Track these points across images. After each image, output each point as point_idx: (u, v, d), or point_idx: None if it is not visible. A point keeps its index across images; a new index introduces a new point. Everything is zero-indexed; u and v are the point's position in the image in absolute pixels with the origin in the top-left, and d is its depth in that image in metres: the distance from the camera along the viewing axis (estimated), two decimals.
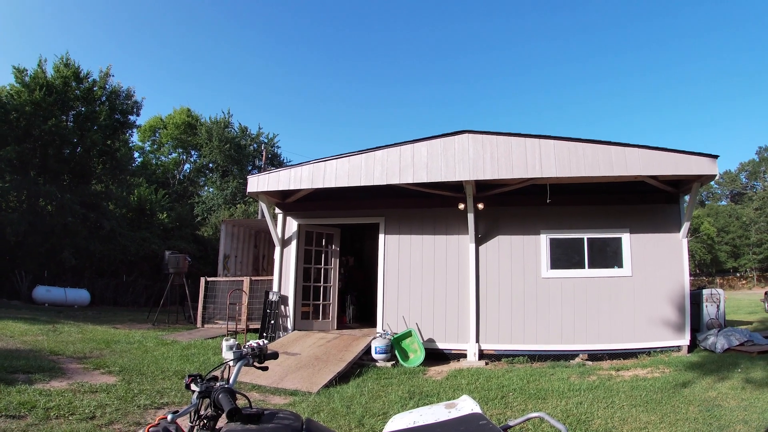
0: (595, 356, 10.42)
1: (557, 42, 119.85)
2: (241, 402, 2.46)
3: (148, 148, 43.80)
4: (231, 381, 2.56)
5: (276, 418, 2.33)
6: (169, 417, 2.18)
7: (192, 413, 2.34)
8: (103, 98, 25.28)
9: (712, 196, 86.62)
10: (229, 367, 2.73)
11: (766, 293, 22.44)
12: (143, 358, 9.50)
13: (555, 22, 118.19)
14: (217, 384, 2.38)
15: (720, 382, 7.76)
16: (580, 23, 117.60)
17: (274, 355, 2.93)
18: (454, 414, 2.92)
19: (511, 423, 3.07)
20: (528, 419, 3.17)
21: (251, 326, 13.40)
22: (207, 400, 2.34)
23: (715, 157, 9.69)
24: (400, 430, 2.82)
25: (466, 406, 3.02)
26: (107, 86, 25.53)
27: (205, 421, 2.32)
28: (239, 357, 2.74)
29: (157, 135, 43.83)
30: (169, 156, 43.40)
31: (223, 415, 2.24)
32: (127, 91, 26.58)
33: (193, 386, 2.41)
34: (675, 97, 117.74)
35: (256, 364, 2.83)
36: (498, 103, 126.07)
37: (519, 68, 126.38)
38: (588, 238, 10.97)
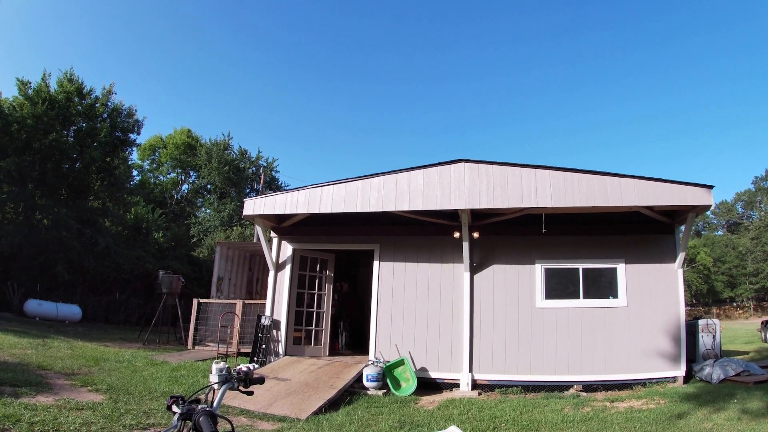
0: (589, 387, 10.32)
1: (553, 70, 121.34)
2: (225, 426, 2.45)
3: (147, 167, 43.96)
4: (215, 404, 2.57)
5: None
6: None
7: None
8: (105, 115, 25.48)
9: (709, 226, 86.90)
10: (214, 390, 2.72)
11: (762, 323, 22.34)
12: (132, 378, 9.42)
13: (549, 51, 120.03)
14: (199, 407, 2.38)
15: (716, 413, 7.70)
16: (574, 52, 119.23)
17: (260, 380, 2.93)
18: None
19: None
20: None
21: (243, 350, 13.28)
22: (189, 423, 2.33)
23: (710, 187, 9.72)
24: None
25: None
26: (109, 103, 25.76)
27: None
28: (224, 380, 2.74)
29: (156, 154, 44.02)
30: (168, 176, 43.53)
31: None
32: (128, 109, 26.83)
33: (174, 408, 2.41)
34: (670, 126, 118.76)
35: (241, 388, 2.83)
36: (495, 132, 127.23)
37: (516, 97, 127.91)
38: (583, 268, 10.94)
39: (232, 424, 2.51)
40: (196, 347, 14.74)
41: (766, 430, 6.58)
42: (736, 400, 8.25)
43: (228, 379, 2.76)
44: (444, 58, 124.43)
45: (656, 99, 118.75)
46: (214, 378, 2.75)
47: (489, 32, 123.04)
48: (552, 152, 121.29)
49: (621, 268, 10.89)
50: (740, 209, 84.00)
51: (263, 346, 11.51)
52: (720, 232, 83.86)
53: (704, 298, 70.21)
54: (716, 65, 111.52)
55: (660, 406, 8.53)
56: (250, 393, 2.89)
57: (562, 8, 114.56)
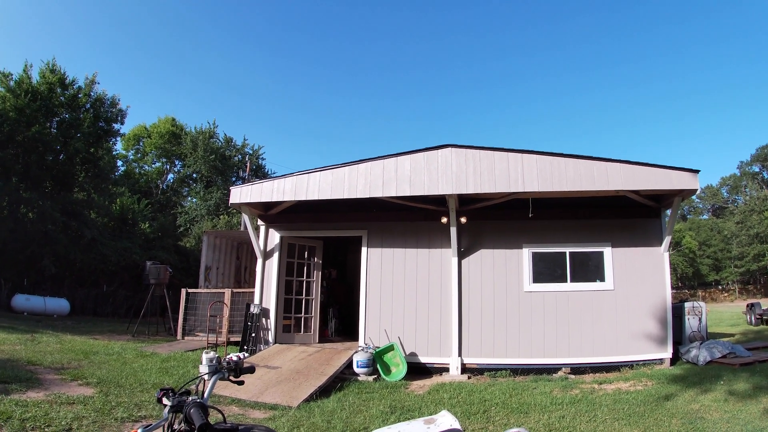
0: (577, 370, 10.44)
1: (540, 56, 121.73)
2: (216, 416, 2.43)
3: (132, 157, 43.46)
4: (205, 395, 2.54)
5: None
6: (140, 431, 2.14)
7: (165, 427, 2.30)
8: (88, 105, 25.08)
9: (694, 211, 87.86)
10: (204, 380, 2.69)
11: (748, 306, 22.58)
12: (122, 370, 9.36)
13: (537, 36, 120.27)
14: (190, 398, 2.35)
15: (703, 394, 7.79)
16: (561, 38, 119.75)
17: (251, 370, 2.90)
18: (433, 430, 2.88)
19: None
20: None
21: (232, 339, 13.25)
22: (180, 415, 2.31)
23: (696, 171, 9.82)
24: None
25: (445, 421, 2.98)
26: (92, 93, 25.35)
27: None
28: (214, 371, 2.71)
29: (141, 144, 43.54)
30: (153, 165, 43.10)
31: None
32: (112, 99, 26.39)
33: (164, 400, 2.38)
34: (657, 111, 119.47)
35: (231, 378, 2.80)
36: (483, 117, 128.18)
37: (503, 82, 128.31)
38: (570, 252, 11.02)
39: (223, 415, 2.49)
40: (186, 337, 14.69)
41: (753, 410, 6.66)
42: (722, 382, 8.35)
43: (218, 370, 2.73)
44: (433, 44, 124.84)
45: (644, 84, 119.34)
46: (203, 369, 2.71)
47: (477, 19, 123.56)
48: (540, 137, 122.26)
49: (608, 252, 10.99)
50: (725, 194, 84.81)
51: (253, 334, 11.49)
52: (705, 216, 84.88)
53: (690, 281, 71.14)
54: (702, 51, 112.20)
55: (647, 387, 8.63)
56: (241, 383, 2.87)
57: None
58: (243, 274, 19.03)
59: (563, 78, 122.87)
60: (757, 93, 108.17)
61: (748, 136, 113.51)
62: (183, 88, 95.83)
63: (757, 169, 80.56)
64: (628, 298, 10.81)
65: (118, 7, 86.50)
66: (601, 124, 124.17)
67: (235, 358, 2.84)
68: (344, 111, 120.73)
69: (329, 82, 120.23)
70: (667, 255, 11.00)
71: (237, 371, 2.79)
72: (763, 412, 6.53)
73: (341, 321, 14.38)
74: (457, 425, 2.86)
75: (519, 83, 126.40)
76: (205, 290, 15.71)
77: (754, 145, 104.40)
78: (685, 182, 9.81)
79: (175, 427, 2.31)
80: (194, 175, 39.67)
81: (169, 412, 2.31)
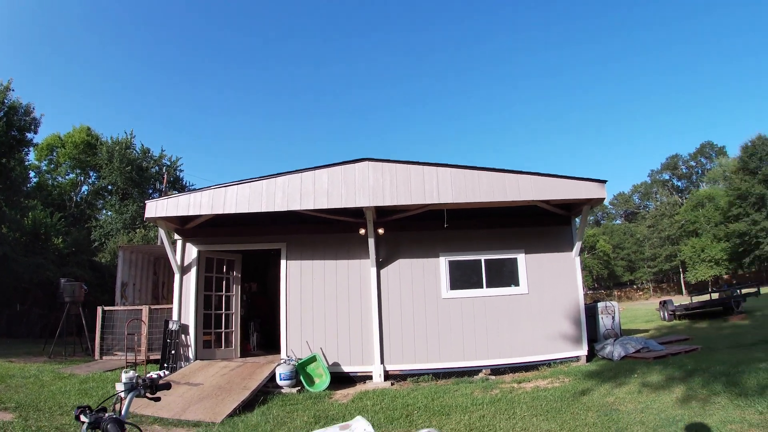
0: (497, 370, 10.81)
1: (457, 75, 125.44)
2: None
3: (45, 168, 41.03)
4: (123, 412, 2.63)
5: None
6: None
7: None
8: (1, 114, 23.43)
9: (608, 216, 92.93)
10: (121, 398, 2.76)
11: (660, 302, 23.92)
12: (40, 393, 8.95)
13: (453, 57, 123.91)
14: (106, 415, 2.43)
15: (618, 387, 8.12)
16: (477, 56, 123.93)
17: (167, 386, 2.98)
18: None
19: None
20: None
21: (152, 357, 12.79)
22: (98, 431, 2.39)
23: (603, 182, 10.45)
24: None
25: (359, 426, 3.05)
26: (6, 101, 23.66)
27: None
28: (131, 388, 2.79)
29: (54, 154, 41.17)
30: (67, 177, 40.88)
31: None
32: (26, 107, 24.78)
33: (82, 417, 2.46)
34: (571, 123, 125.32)
35: (148, 395, 2.88)
36: (402, 135, 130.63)
37: (423, 100, 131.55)
38: (485, 259, 11.42)
39: (140, 430, 2.62)
40: (104, 357, 14.04)
41: (666, 400, 6.97)
42: (636, 375, 8.79)
43: (134, 387, 2.80)
44: (354, 66, 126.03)
45: (560, 98, 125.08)
46: (120, 387, 2.78)
47: (396, 41, 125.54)
48: (458, 151, 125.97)
49: (521, 258, 11.46)
50: (637, 200, 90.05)
51: (173, 351, 11.14)
52: (618, 221, 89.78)
53: (606, 282, 75.17)
54: (616, 66, 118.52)
55: (564, 384, 8.99)
56: (158, 399, 2.93)
57: (469, 15, 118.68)
58: (161, 290, 18.41)
59: (479, 94, 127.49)
60: (666, 103, 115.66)
61: (659, 146, 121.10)
62: (101, 94, 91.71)
63: (666, 177, 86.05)
64: (542, 301, 11.31)
65: (24, 7, 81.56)
66: (519, 136, 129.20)
67: (154, 376, 2.92)
68: (264, 130, 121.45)
69: (250, 101, 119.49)
70: (578, 259, 11.60)
71: (153, 388, 2.88)
72: (676, 401, 6.86)
73: (263, 334, 14.15)
74: (370, 429, 2.95)
75: (437, 101, 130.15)
76: (122, 307, 15.08)
77: (664, 154, 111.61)
78: (593, 192, 10.42)
79: None
80: (110, 187, 37.92)
81: (87, 429, 2.38)
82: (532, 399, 7.94)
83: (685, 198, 77.03)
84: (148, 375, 2.92)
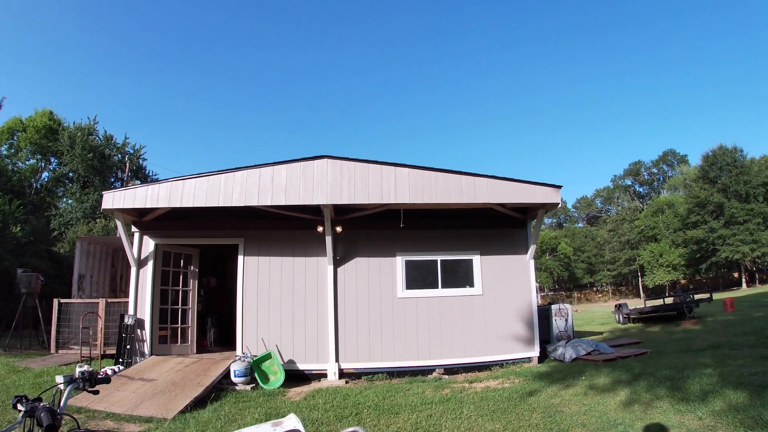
0: (451, 370, 11.01)
1: (420, 70, 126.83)
2: (72, 424, 2.73)
3: (5, 152, 39.72)
4: (61, 404, 2.77)
5: None
6: None
7: None
8: None
9: (570, 219, 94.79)
10: (61, 390, 2.87)
11: (616, 306, 24.51)
12: None
13: (416, 52, 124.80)
14: (41, 404, 2.53)
15: (565, 389, 8.29)
16: (440, 52, 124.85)
17: (106, 380, 3.07)
18: (278, 430, 3.05)
19: None
20: None
21: (109, 351, 12.58)
22: (34, 419, 2.49)
23: (559, 187, 10.74)
24: None
25: (290, 423, 3.14)
26: None
27: None
28: (69, 381, 2.91)
29: (15, 138, 39.88)
30: (27, 162, 39.67)
31: None
32: None
33: (19, 406, 2.56)
34: (535, 123, 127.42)
35: (88, 388, 3.00)
36: (363, 129, 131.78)
37: (382, 95, 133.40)
38: (441, 260, 11.60)
39: (76, 421, 2.76)
40: (60, 351, 13.80)
41: (610, 403, 7.08)
42: (584, 377, 8.99)
43: (73, 380, 2.90)
44: (313, 57, 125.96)
45: (517, 98, 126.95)
46: (60, 379, 2.89)
47: (356, 34, 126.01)
48: (418, 149, 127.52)
49: (477, 260, 11.68)
50: (599, 204, 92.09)
51: (128, 346, 10.99)
52: (580, 224, 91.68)
53: (566, 283, 76.68)
54: (583, 69, 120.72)
55: (514, 384, 9.15)
56: (96, 392, 3.07)
57: (429, 11, 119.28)
58: (119, 283, 18.10)
59: (444, 91, 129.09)
60: (630, 109, 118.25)
61: (621, 152, 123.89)
62: (67, 75, 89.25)
63: (629, 182, 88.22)
64: (496, 302, 11.55)
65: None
66: (484, 134, 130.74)
67: (109, 372, 3.04)
68: (229, 121, 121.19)
69: (212, 91, 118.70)
70: (532, 262, 11.87)
71: (92, 382, 2.99)
72: (619, 404, 6.97)
73: (221, 330, 14.07)
74: (300, 427, 3.05)
75: (398, 97, 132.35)
76: (79, 300, 14.81)
77: (627, 160, 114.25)
78: (548, 196, 10.71)
79: None
80: (71, 175, 36.92)
81: (23, 417, 2.48)
82: (480, 399, 8.04)
83: (646, 204, 79.18)
84: (103, 369, 3.03)
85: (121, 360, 10.87)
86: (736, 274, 58.86)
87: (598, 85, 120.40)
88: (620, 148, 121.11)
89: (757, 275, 57.15)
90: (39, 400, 2.60)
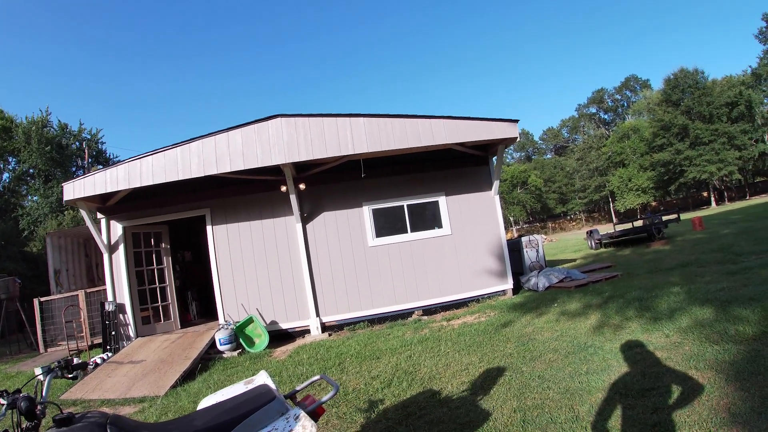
0: (430, 311, 11.35)
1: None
2: (56, 412, 2.71)
3: None
4: (44, 393, 2.87)
5: (84, 419, 2.56)
6: None
7: (15, 428, 2.58)
8: None
9: (538, 151, 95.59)
10: (41, 381, 2.96)
11: (587, 232, 24.99)
12: None
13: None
14: (20, 395, 2.61)
15: (538, 317, 8.52)
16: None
17: (82, 366, 3.17)
18: (248, 387, 3.24)
19: (297, 388, 3.47)
20: (312, 382, 3.57)
21: (96, 341, 12.71)
22: (16, 411, 2.58)
23: (516, 121, 10.88)
24: (203, 408, 3.07)
25: (259, 379, 3.35)
26: None
27: None
28: (48, 371, 3.01)
29: None
30: None
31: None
32: None
33: (1, 400, 2.64)
34: (493, 62, 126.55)
35: (66, 375, 3.10)
36: (314, 91, 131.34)
37: (345, 53, 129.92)
38: (408, 205, 11.79)
39: (60, 408, 2.76)
40: (49, 349, 13.85)
41: (581, 327, 7.26)
42: (556, 304, 9.26)
43: (51, 370, 3.02)
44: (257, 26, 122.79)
45: (486, 36, 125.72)
46: (38, 371, 3.01)
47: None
48: (372, 102, 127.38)
49: (443, 201, 11.88)
50: (566, 134, 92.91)
51: (113, 332, 11.07)
52: (549, 156, 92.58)
53: (539, 215, 77.96)
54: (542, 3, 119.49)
55: (490, 318, 9.40)
56: (75, 378, 3.18)
57: None
58: (95, 272, 18.04)
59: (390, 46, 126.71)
60: (591, 38, 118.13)
61: (585, 81, 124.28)
62: (8, 75, 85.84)
63: (593, 111, 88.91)
64: (465, 240, 11.81)
65: None
66: (447, 78, 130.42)
67: (99, 360, 3.24)
68: (183, 93, 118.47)
69: (166, 66, 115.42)
70: (497, 198, 12.12)
71: (69, 368, 3.10)
72: (590, 328, 7.13)
73: (203, 302, 14.16)
74: (269, 381, 3.25)
75: (345, 57, 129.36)
76: (59, 296, 14.75)
77: (591, 88, 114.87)
78: (506, 131, 10.85)
79: (23, 425, 2.60)
80: (31, 171, 36.03)
81: (5, 410, 2.57)
82: (457, 335, 8.27)
83: (612, 130, 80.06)
84: (93, 359, 3.16)
85: (108, 347, 10.97)
86: (705, 194, 60.47)
87: (557, 18, 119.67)
88: (582, 77, 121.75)
89: (725, 194, 58.77)
90: (19, 392, 2.70)
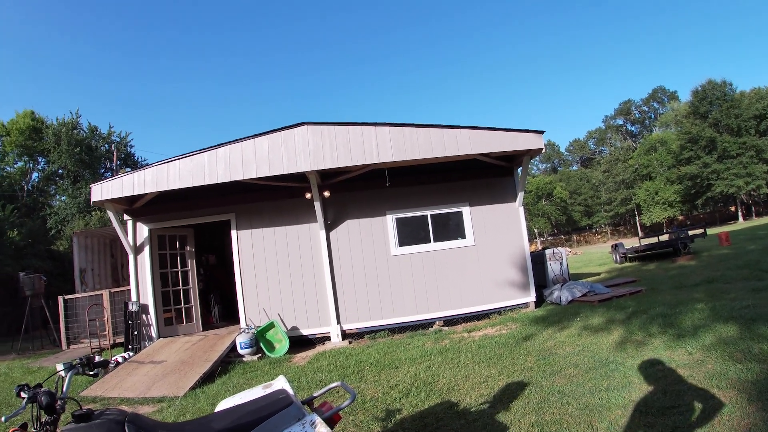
0: (451, 321, 11.25)
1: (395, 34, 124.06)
2: (76, 408, 2.76)
3: None
4: (64, 389, 2.93)
5: (103, 415, 2.60)
6: (2, 419, 2.56)
7: (34, 421, 2.64)
8: None
9: (564, 163, 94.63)
10: (62, 377, 3.04)
11: (612, 246, 24.72)
12: (10, 389, 8.89)
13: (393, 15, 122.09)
14: (41, 390, 2.68)
15: (560, 331, 8.41)
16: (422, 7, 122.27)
17: (104, 364, 3.25)
18: (267, 391, 3.25)
19: (315, 394, 3.46)
20: (330, 389, 3.56)
21: (118, 340, 12.90)
22: (36, 405, 2.64)
23: (541, 132, 10.78)
24: (221, 411, 3.09)
25: (278, 384, 3.35)
26: None
27: (47, 427, 2.61)
28: (69, 368, 3.07)
29: None
30: (15, 165, 39.49)
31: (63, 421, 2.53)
32: None
33: (22, 394, 2.71)
34: (520, 73, 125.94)
35: (88, 372, 3.16)
36: (341, 96, 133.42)
37: (368, 60, 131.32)
38: (431, 215, 11.74)
39: (79, 404, 2.87)
40: (71, 347, 14.09)
41: (603, 343, 7.18)
42: (579, 319, 9.13)
43: (72, 366, 3.07)
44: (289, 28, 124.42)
45: (512, 46, 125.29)
46: (60, 367, 3.07)
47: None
48: (399, 110, 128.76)
49: (466, 211, 11.81)
50: (592, 146, 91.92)
51: (135, 332, 11.23)
52: (575, 167, 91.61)
53: (564, 227, 77.03)
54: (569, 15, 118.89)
55: (511, 330, 9.29)
56: (96, 375, 3.24)
57: None
58: (120, 272, 18.31)
59: (419, 52, 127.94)
60: (619, 49, 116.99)
61: (612, 92, 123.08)
62: (41, 76, 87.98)
63: (620, 122, 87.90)
64: (488, 251, 11.71)
65: None
66: (474, 87, 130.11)
67: (120, 359, 3.31)
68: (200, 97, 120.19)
69: (195, 69, 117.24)
70: (521, 209, 12.00)
71: (90, 366, 3.15)
72: (612, 343, 7.04)
73: (225, 306, 14.29)
74: (287, 387, 3.26)
75: (374, 62, 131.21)
76: (83, 294, 15.02)
77: (618, 100, 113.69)
78: (531, 142, 10.75)
79: (42, 419, 2.65)
80: (60, 171, 36.81)
81: (26, 403, 2.63)
82: (478, 347, 8.18)
83: (639, 142, 78.98)
84: (114, 358, 3.21)
85: (130, 346, 11.12)
86: (732, 208, 59.23)
87: (585, 29, 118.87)
88: (610, 88, 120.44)
89: (753, 208, 57.53)
90: (40, 386, 2.76)
